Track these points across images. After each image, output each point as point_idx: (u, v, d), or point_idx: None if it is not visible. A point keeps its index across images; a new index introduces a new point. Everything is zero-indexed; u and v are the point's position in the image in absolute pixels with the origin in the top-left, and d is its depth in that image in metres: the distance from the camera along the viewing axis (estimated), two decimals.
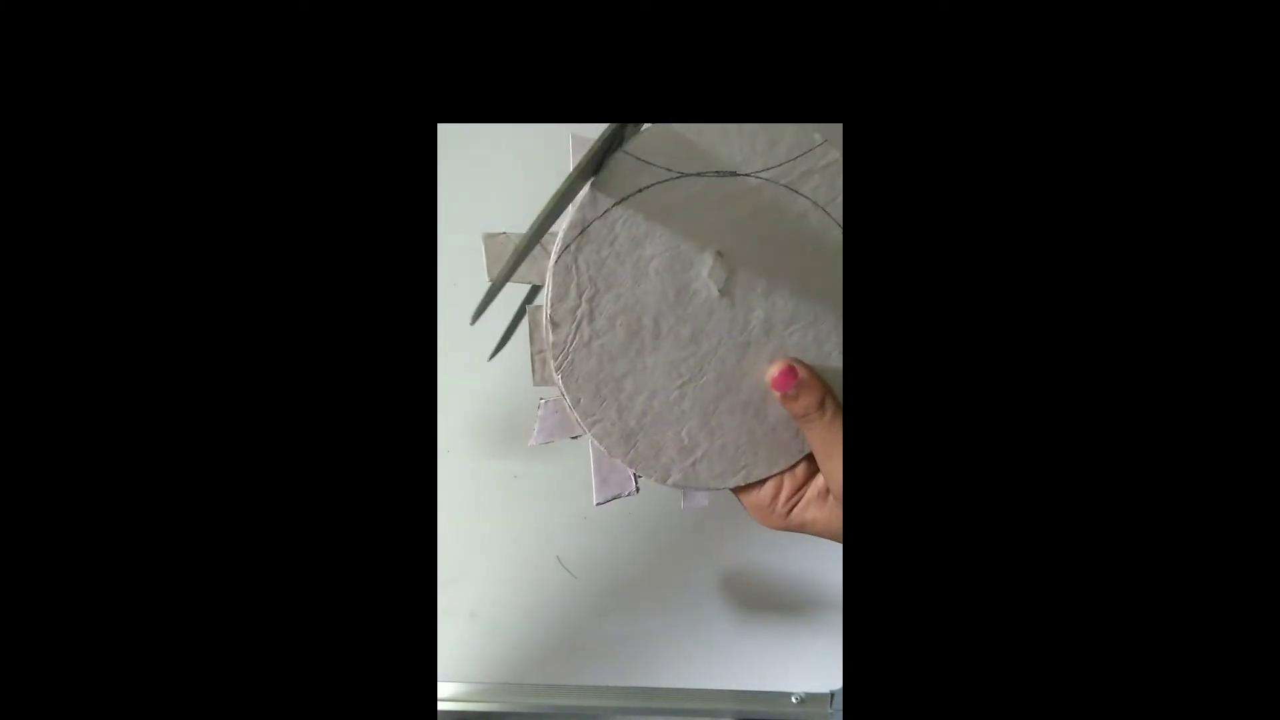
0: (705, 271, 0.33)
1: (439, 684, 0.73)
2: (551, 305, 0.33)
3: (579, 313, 0.33)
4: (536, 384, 0.35)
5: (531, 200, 0.54)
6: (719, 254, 0.33)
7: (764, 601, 0.70)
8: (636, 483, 0.37)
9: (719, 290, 0.33)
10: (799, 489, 0.36)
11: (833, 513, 0.35)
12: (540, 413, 0.36)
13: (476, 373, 0.60)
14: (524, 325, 0.35)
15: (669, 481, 0.36)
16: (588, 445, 0.36)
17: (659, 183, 0.32)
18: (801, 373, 0.33)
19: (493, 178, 0.54)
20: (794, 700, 0.75)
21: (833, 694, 0.75)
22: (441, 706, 0.73)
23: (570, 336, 0.34)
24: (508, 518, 0.66)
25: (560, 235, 0.33)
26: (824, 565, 0.68)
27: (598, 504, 0.37)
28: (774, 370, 0.34)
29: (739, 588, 0.69)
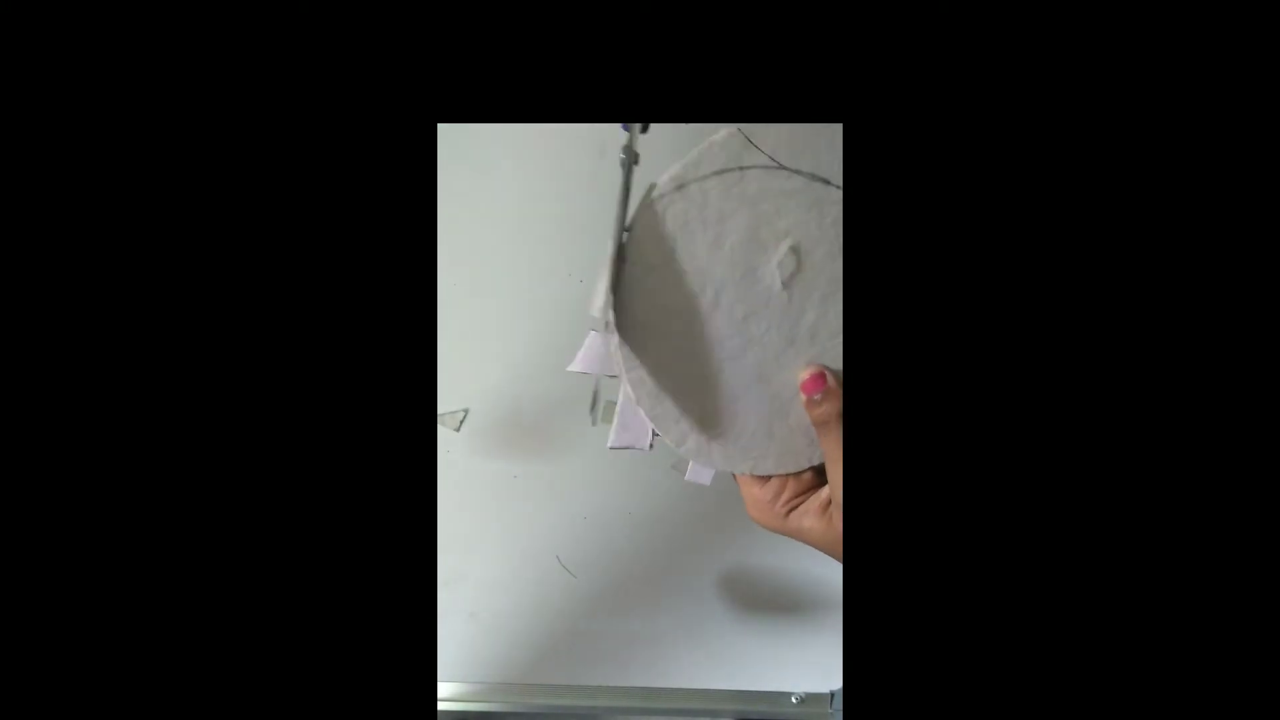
0: (775, 260, 0.34)
1: (439, 684, 0.73)
2: (631, 246, 0.34)
3: (653, 260, 0.34)
4: (592, 314, 0.36)
5: (531, 200, 0.54)
6: (793, 248, 0.34)
7: (764, 601, 0.70)
8: (652, 441, 0.37)
9: (782, 283, 0.34)
10: (801, 494, 0.37)
11: (829, 526, 0.35)
12: (587, 341, 0.36)
13: (476, 373, 0.60)
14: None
15: (681, 448, 0.37)
16: (618, 391, 0.37)
17: (760, 167, 0.33)
18: (830, 381, 0.34)
19: (493, 178, 0.54)
20: (794, 700, 0.75)
21: (833, 694, 0.75)
22: (441, 706, 0.73)
23: (637, 278, 0.34)
24: (508, 518, 0.66)
25: (659, 184, 0.33)
26: (824, 565, 0.68)
27: (610, 447, 0.37)
28: (806, 373, 0.35)
29: (739, 588, 0.69)
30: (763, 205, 0.33)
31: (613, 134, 0.52)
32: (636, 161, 0.32)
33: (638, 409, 0.36)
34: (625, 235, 0.34)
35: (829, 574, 0.68)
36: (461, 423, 0.61)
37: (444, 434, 0.62)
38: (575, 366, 0.37)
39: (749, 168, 0.33)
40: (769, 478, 0.37)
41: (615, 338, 0.35)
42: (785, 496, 0.37)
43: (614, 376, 0.36)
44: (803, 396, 0.35)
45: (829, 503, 0.36)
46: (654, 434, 0.37)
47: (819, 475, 0.37)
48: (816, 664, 0.73)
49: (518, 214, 0.55)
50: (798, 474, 0.37)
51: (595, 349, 0.36)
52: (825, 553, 0.36)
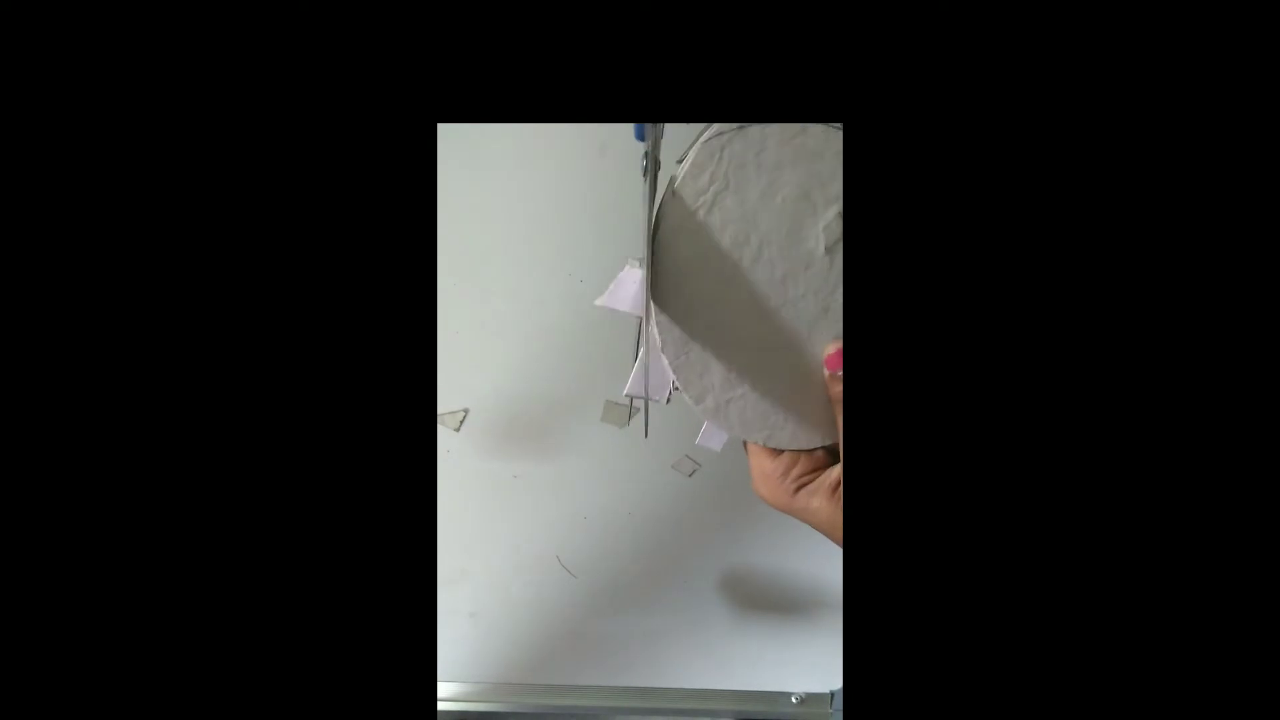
0: (822, 224, 0.33)
1: (439, 684, 0.73)
2: (682, 180, 0.33)
3: (702, 199, 0.33)
4: (638, 256, 0.35)
5: (531, 200, 0.54)
6: (841, 214, 0.33)
7: (764, 601, 0.70)
8: (670, 395, 0.36)
9: (825, 248, 0.33)
10: (812, 472, 0.36)
11: (838, 508, 0.35)
12: (621, 275, 0.35)
13: (476, 373, 0.60)
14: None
15: (700, 406, 0.36)
16: (644, 337, 0.36)
17: (822, 124, 0.32)
18: None
19: (493, 178, 0.54)
20: (794, 700, 0.75)
21: (833, 694, 0.75)
22: (441, 706, 0.73)
23: (683, 217, 0.33)
24: (508, 518, 0.66)
25: (717, 126, 0.33)
26: (824, 565, 0.68)
27: (626, 394, 0.36)
28: (832, 348, 0.34)
29: (739, 588, 0.69)
30: (819, 164, 0.33)
31: (613, 134, 0.52)
32: (659, 167, 0.32)
33: (661, 356, 0.35)
34: (656, 222, 0.33)
35: (829, 574, 0.68)
36: (461, 423, 0.61)
37: (444, 434, 0.62)
38: (603, 301, 0.35)
39: (811, 123, 0.32)
40: (781, 452, 0.36)
41: (650, 276, 0.34)
42: (795, 473, 0.36)
43: (640, 319, 0.35)
44: (825, 371, 0.34)
45: (839, 484, 0.35)
46: (673, 387, 0.36)
47: (831, 455, 0.36)
48: (816, 664, 0.74)
49: (518, 214, 0.55)
50: (810, 451, 0.36)
51: (628, 285, 0.35)
52: (828, 536, 0.35)
